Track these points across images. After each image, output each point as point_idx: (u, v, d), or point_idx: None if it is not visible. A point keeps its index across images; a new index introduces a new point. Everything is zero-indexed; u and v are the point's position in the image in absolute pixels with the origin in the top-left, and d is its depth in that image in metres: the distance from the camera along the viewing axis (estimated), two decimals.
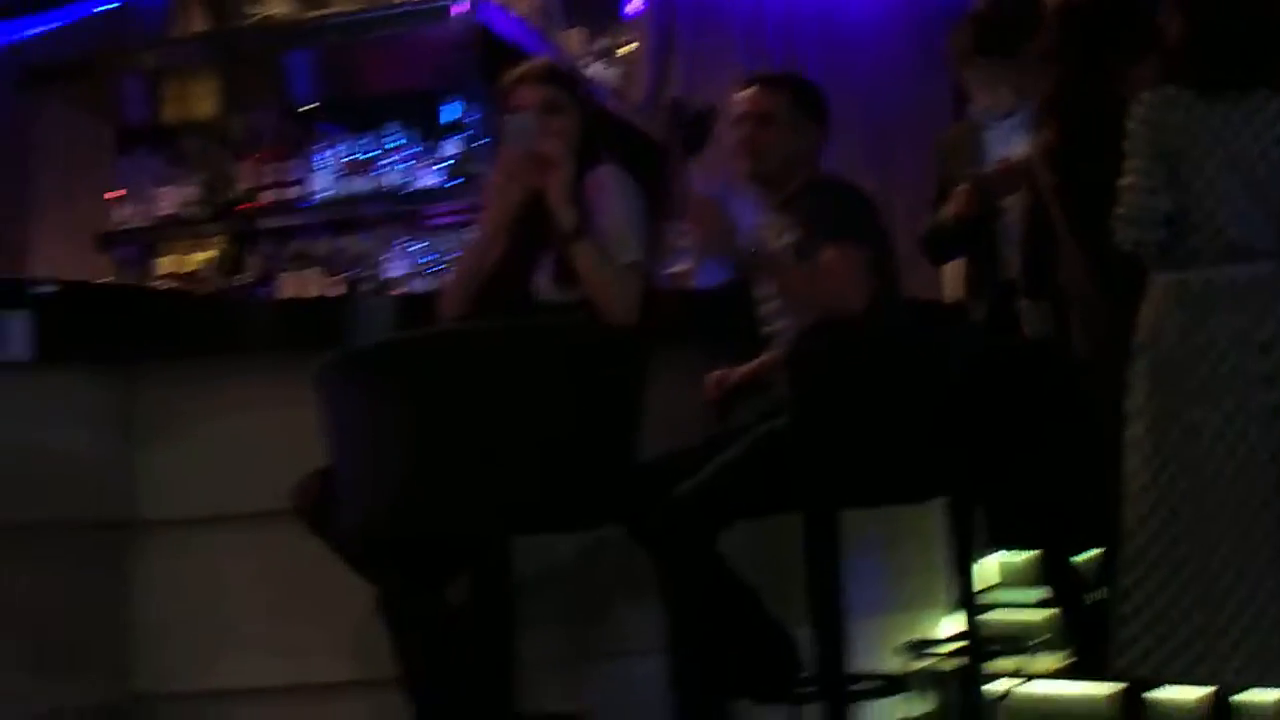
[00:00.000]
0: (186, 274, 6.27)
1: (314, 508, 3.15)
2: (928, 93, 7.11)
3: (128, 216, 6.35)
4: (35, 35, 6.68)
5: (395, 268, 6.04)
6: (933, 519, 3.76)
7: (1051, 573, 4.38)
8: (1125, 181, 3.51)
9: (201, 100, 6.36)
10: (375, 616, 3.22)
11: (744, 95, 3.76)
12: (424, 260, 5.94)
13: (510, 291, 3.46)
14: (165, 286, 6.10)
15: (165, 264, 6.35)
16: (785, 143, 3.68)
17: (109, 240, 6.35)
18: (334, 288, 5.99)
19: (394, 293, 5.60)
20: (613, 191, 3.52)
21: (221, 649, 3.61)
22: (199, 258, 6.29)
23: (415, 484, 2.77)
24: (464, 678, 3.12)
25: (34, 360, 3.45)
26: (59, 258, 6.36)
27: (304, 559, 3.27)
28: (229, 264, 6.23)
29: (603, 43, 6.78)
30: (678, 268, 5.50)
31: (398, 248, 6.05)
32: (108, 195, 6.37)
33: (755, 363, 3.75)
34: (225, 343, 3.68)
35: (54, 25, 6.62)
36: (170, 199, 6.30)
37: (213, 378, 3.63)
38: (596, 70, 6.53)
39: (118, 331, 3.58)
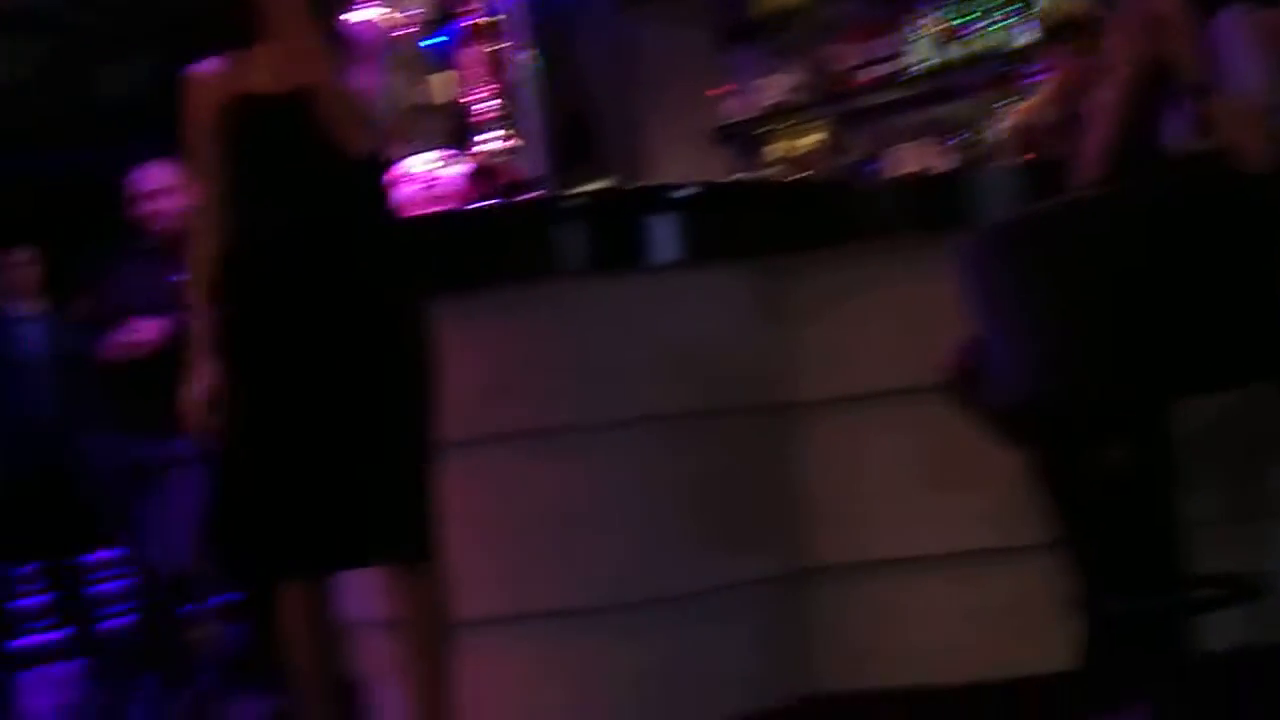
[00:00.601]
0: (795, 159, 6.49)
1: (964, 381, 3.23)
2: None
3: (736, 110, 6.65)
4: None
5: (1001, 132, 6.01)
6: None
7: None
8: None
9: None
10: (1029, 483, 3.28)
11: None
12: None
13: (1143, 149, 3.39)
14: (778, 174, 6.34)
15: (775, 151, 6.60)
16: None
17: (721, 135, 6.66)
18: (940, 158, 6.03)
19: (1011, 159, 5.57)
20: (1237, 35, 3.37)
21: (881, 521, 3.76)
22: (806, 142, 6.49)
23: (1070, 354, 2.80)
24: (1127, 541, 3.13)
25: (684, 260, 3.70)
26: (677, 159, 6.70)
27: (956, 430, 3.36)
28: (835, 145, 6.40)
29: None
30: None
31: (1000, 111, 6.01)
32: (715, 92, 6.67)
33: None
34: (860, 227, 3.80)
35: None
36: (774, 88, 6.54)
37: (852, 261, 3.75)
38: None
39: (759, 225, 3.77)
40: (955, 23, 6.08)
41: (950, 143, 6.10)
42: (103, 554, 6.51)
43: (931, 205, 3.82)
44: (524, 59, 5.75)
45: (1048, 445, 3.21)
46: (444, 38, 5.93)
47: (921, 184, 4.39)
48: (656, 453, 3.65)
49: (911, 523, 3.75)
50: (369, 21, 3.22)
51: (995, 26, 6.02)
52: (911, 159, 6.12)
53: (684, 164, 6.58)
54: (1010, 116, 4.70)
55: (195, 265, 3.13)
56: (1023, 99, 5.11)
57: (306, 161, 3.02)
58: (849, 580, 3.80)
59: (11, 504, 5.76)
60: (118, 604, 6.15)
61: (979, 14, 6.04)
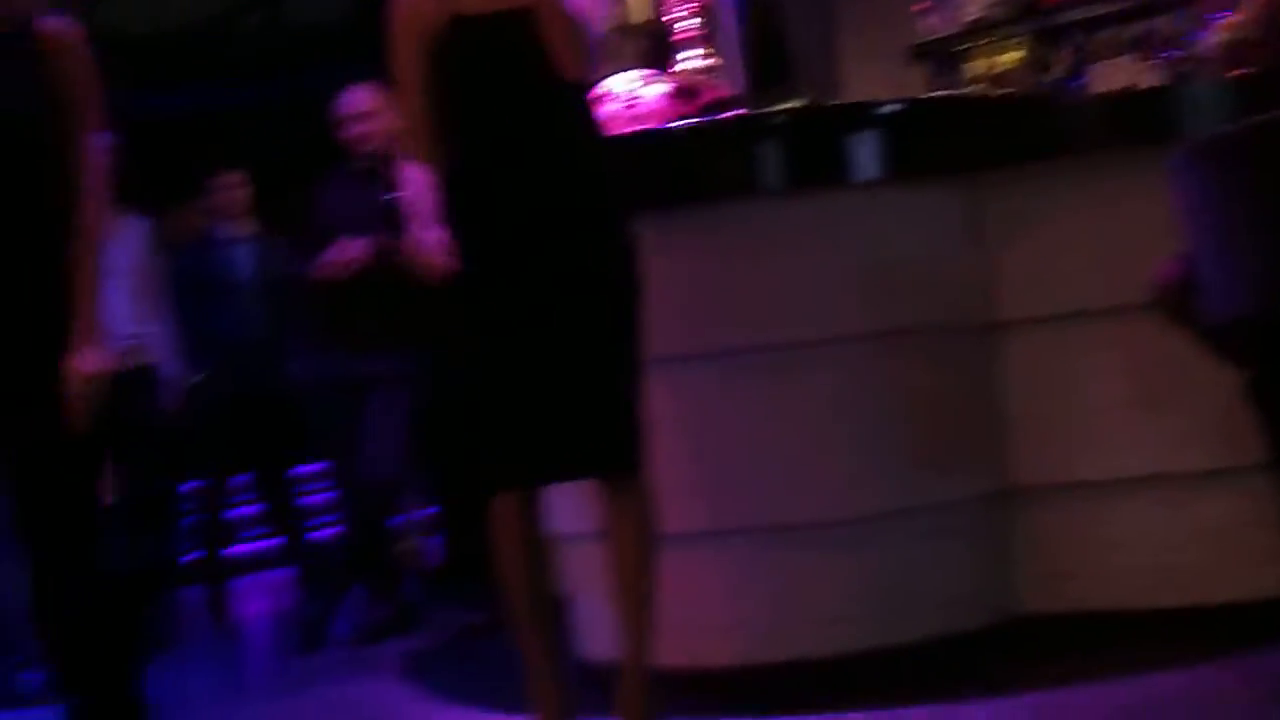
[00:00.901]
0: (995, 77, 6.37)
1: (1174, 297, 3.17)
2: None
3: (935, 27, 6.54)
4: None
5: (1207, 47, 5.83)
6: None
7: None
8: None
9: None
10: (1243, 402, 3.21)
11: None
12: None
13: None
14: (978, 92, 6.23)
15: (974, 69, 6.49)
16: None
17: (918, 52, 6.57)
18: (1145, 74, 5.87)
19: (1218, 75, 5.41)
20: None
21: (1087, 441, 3.72)
22: (1006, 59, 6.37)
23: None
24: None
25: (887, 178, 3.67)
26: (872, 77, 6.63)
27: (1164, 349, 3.31)
28: (1037, 62, 6.26)
29: None
30: None
31: (1212, 23, 5.82)
32: (915, 8, 6.58)
33: None
34: (1066, 143, 3.74)
35: None
36: (975, 4, 6.42)
37: (1056, 178, 3.71)
38: None
39: (962, 142, 3.73)
40: None
41: (1155, 58, 5.94)
42: (313, 467, 6.73)
43: (1138, 121, 3.75)
44: None
45: (1262, 363, 3.14)
46: None
47: (1127, 99, 4.29)
48: (859, 371, 3.66)
49: (1117, 444, 3.70)
50: None
51: None
52: (1114, 75, 5.97)
53: (880, 82, 6.50)
54: (1216, 32, 4.56)
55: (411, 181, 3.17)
56: (1229, 13, 4.96)
57: (521, 82, 3.04)
58: (1054, 501, 3.78)
59: (225, 420, 5.98)
60: (327, 515, 6.35)
61: None
